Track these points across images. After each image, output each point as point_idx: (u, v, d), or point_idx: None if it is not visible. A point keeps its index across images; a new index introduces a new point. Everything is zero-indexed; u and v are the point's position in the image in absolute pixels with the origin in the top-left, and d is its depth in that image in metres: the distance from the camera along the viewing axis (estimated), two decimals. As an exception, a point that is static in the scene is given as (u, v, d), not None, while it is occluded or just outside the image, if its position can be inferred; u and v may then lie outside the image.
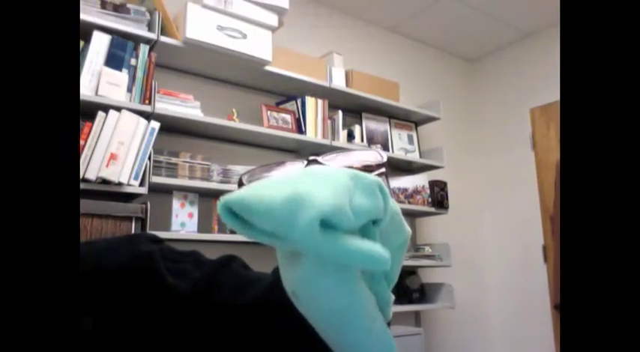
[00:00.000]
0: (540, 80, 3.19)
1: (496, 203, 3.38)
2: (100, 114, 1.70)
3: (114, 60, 1.82)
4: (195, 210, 2.04)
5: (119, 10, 1.89)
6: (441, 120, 2.96)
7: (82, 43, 1.79)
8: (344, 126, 2.55)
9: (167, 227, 1.96)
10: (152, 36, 1.93)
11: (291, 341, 0.39)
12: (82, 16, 1.77)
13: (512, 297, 3.20)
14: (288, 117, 2.37)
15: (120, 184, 1.71)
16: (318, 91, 2.45)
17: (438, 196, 2.79)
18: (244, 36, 2.13)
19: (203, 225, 2.07)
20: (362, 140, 2.63)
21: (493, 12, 3.03)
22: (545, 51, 3.20)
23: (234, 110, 2.22)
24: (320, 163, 0.38)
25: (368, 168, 0.38)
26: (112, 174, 1.68)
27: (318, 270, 0.29)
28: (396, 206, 0.32)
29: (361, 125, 2.68)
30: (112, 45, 1.82)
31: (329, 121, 2.45)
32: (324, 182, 0.28)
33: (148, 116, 1.86)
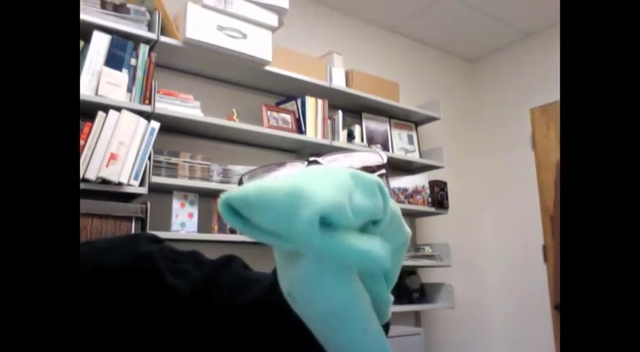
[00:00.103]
0: (540, 80, 3.19)
1: (496, 203, 3.38)
2: (100, 114, 1.70)
3: (114, 60, 1.82)
4: (195, 210, 2.04)
5: (119, 10, 1.89)
6: (441, 120, 2.96)
7: (82, 43, 1.79)
8: (344, 126, 2.55)
9: (167, 227, 1.96)
10: (152, 36, 1.93)
11: (291, 341, 0.39)
12: (82, 16, 1.77)
13: (512, 297, 3.20)
14: (288, 117, 2.37)
15: (120, 184, 1.71)
16: (318, 91, 2.45)
17: (438, 196, 2.79)
18: (244, 36, 2.13)
19: (203, 225, 2.07)
20: (362, 140, 2.63)
21: (493, 12, 3.03)
22: (545, 51, 3.20)
23: (234, 110, 2.22)
24: (320, 164, 0.38)
25: (368, 170, 0.38)
26: (112, 174, 1.68)
27: (317, 270, 0.29)
28: (395, 206, 0.32)
29: (361, 125, 2.68)
30: (112, 45, 1.82)
31: (329, 121, 2.45)
32: (324, 180, 0.28)
33: (148, 116, 1.86)
